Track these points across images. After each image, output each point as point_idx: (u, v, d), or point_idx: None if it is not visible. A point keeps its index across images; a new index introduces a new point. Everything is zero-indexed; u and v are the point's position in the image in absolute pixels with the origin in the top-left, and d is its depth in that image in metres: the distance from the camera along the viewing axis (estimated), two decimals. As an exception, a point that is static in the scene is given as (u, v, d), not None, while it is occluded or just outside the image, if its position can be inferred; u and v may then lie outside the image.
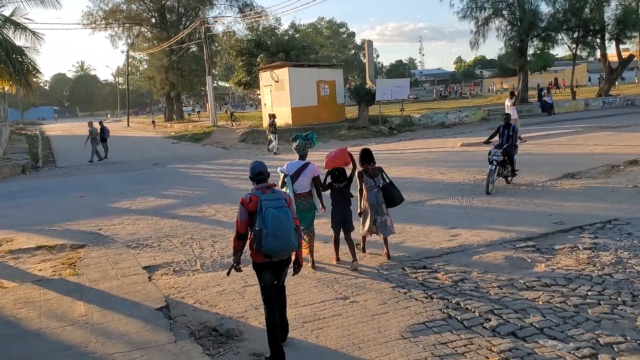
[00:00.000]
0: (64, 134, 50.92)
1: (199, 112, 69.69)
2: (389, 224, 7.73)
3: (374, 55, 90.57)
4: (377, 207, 7.62)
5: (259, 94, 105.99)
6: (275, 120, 24.47)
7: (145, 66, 63.10)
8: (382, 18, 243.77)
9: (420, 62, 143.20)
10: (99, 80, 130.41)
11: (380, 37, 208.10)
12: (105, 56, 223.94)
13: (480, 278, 6.64)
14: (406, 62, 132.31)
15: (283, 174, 7.36)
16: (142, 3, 51.15)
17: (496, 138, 12.86)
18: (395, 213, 10.29)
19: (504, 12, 35.28)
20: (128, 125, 59.16)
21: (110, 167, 21.70)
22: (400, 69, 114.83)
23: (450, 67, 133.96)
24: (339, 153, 7.58)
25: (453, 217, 9.70)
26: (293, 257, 5.11)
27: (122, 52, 73.05)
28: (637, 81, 62.69)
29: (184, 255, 8.48)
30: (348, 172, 7.67)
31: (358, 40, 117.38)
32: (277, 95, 31.10)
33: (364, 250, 8.01)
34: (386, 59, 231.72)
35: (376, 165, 7.86)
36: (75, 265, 7.88)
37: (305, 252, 7.17)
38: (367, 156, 7.78)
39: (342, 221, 7.46)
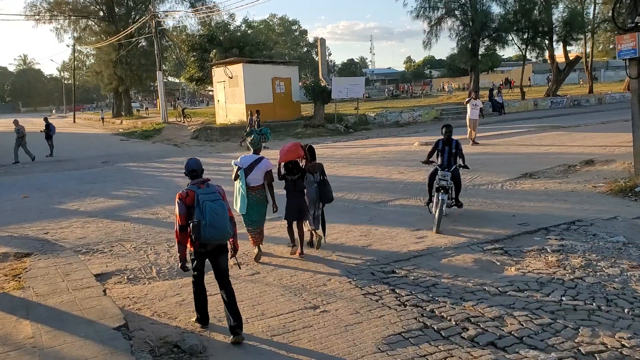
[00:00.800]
0: (4, 130, 48.68)
1: (147, 108, 67.96)
2: (320, 219, 8.15)
3: (327, 54, 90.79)
4: (315, 202, 7.98)
5: (211, 90, 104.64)
6: (259, 116, 24.91)
7: (92, 61, 61.07)
8: (333, 17, 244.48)
9: (371, 61, 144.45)
10: (44, 75, 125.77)
11: (332, 36, 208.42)
12: (50, 50, 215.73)
13: (451, 283, 6.46)
14: (357, 61, 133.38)
15: (237, 167, 7.56)
16: (89, -5, 49.45)
17: (434, 157, 9.84)
18: (359, 214, 10.15)
19: (456, 12, 35.71)
20: (74, 122, 57.17)
21: (56, 166, 20.68)
22: (352, 68, 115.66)
23: (400, 67, 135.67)
24: (292, 147, 7.87)
25: (417, 218, 9.54)
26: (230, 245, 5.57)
27: (68, 45, 70.87)
28: (580, 82, 64.71)
29: (138, 262, 8.00)
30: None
31: (310, 38, 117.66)
32: (231, 91, 30.50)
33: (311, 245, 8.24)
34: (337, 58, 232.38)
35: (317, 162, 8.18)
36: (20, 277, 7.11)
37: (252, 243, 7.80)
38: (312, 153, 8.12)
39: (296, 210, 7.81)
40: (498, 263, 7.07)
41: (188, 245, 5.41)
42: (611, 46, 44.19)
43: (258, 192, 7.61)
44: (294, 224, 7.92)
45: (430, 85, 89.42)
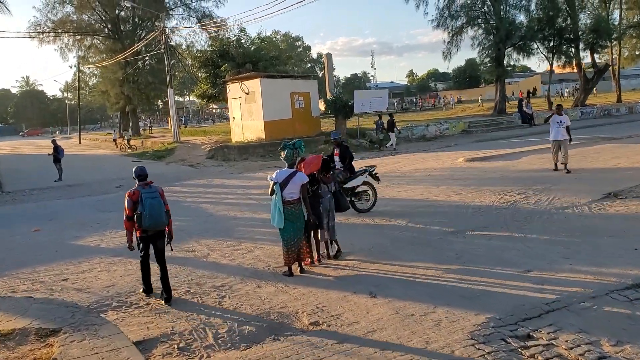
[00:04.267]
0: (10, 153, 47.23)
1: (151, 127, 66.48)
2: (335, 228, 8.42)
3: (333, 69, 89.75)
4: (329, 212, 8.21)
5: (215, 108, 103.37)
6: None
7: (96, 80, 59.68)
8: (332, 33, 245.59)
9: (372, 75, 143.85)
10: (47, 96, 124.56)
11: (331, 52, 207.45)
12: (53, 71, 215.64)
13: (619, 355, 4.77)
14: (361, 75, 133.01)
15: (272, 182, 7.63)
16: (94, 13, 48.08)
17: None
18: (439, 249, 8.46)
19: (478, 20, 34.18)
20: (80, 143, 55.65)
21: (67, 191, 19.05)
22: (355, 83, 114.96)
23: (402, 81, 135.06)
24: (315, 159, 8.15)
25: (517, 255, 7.83)
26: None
27: (70, 67, 69.71)
28: (594, 92, 62.91)
29: (187, 321, 6.33)
30: None
31: (313, 54, 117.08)
32: (248, 107, 28.94)
33: (329, 256, 8.34)
34: (338, 73, 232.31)
35: (331, 174, 8.57)
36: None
37: (284, 261, 7.74)
38: (326, 166, 8.34)
39: (317, 220, 7.99)
40: (663, 320, 5.38)
41: (134, 231, 7.04)
42: (637, 53, 42.71)
43: (294, 206, 7.65)
44: (312, 233, 8.16)
45: (439, 98, 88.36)
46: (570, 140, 14.76)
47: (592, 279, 6.63)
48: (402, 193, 13.65)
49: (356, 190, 11.43)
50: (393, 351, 5.17)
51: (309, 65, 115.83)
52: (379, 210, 11.56)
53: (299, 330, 5.83)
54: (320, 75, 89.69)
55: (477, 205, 11.44)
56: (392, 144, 25.78)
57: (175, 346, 5.68)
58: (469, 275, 7.12)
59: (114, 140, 43.42)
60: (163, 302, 6.95)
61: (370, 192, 11.65)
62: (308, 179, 7.82)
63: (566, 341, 5.08)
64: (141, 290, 7.37)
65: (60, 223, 13.21)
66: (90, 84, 65.03)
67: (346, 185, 11.07)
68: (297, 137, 27.15)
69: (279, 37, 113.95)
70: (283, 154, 7.84)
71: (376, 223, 10.53)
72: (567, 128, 14.51)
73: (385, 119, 26.56)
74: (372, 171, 11.70)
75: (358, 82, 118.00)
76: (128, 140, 41.17)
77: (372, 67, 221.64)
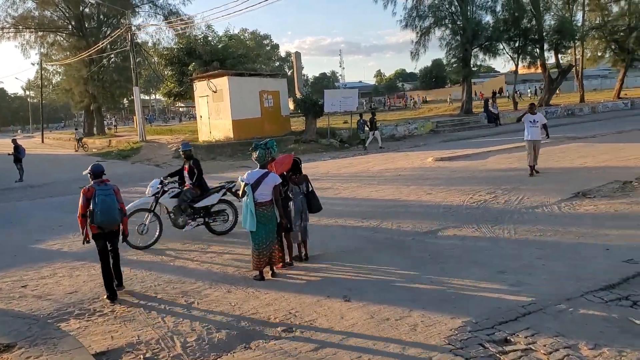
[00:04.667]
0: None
1: (116, 126, 65.17)
2: (308, 228, 8.30)
3: (302, 68, 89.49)
4: (301, 212, 8.05)
5: (182, 107, 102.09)
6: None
7: (59, 78, 58.16)
8: (300, 32, 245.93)
9: (341, 75, 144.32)
10: (8, 94, 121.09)
11: (299, 51, 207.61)
12: (15, 67, 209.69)
13: (598, 359, 4.71)
14: (329, 74, 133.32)
15: (244, 183, 7.41)
16: (57, 9, 46.83)
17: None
18: (412, 250, 8.35)
19: (445, 21, 34.40)
20: (42, 142, 54.14)
21: (28, 193, 18.45)
22: (324, 82, 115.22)
23: (371, 80, 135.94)
24: (286, 159, 7.98)
25: (490, 256, 7.77)
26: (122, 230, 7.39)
27: (33, 64, 67.75)
28: (558, 92, 63.70)
29: (154, 329, 6.06)
30: None
31: (282, 52, 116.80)
32: (216, 106, 28.55)
33: (301, 259, 8.20)
34: (306, 72, 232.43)
35: (303, 174, 8.25)
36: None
37: (252, 265, 7.56)
38: (294, 167, 8.11)
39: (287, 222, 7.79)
40: (638, 322, 5.36)
41: (89, 227, 7.10)
42: (599, 54, 43.68)
43: (267, 208, 7.43)
44: (283, 235, 7.96)
45: (407, 98, 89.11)
46: (548, 136, 14.42)
47: (566, 280, 6.59)
48: (374, 193, 13.55)
49: (212, 210, 10.31)
50: (370, 358, 5.01)
51: (277, 64, 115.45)
52: (351, 211, 11.43)
53: (272, 338, 5.62)
54: (289, 74, 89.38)
55: (447, 205, 11.40)
56: (371, 142, 25.73)
57: (142, 356, 5.42)
58: (444, 276, 7.03)
59: (77, 140, 41.84)
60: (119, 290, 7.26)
61: (229, 210, 10.50)
62: (281, 180, 7.64)
63: (544, 345, 5.00)
64: (105, 296, 7.11)
65: (21, 226, 12.73)
66: (53, 81, 63.42)
67: (197, 205, 10.03)
68: (266, 136, 26.87)
69: (246, 35, 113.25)
70: (255, 155, 7.59)
71: (348, 224, 10.39)
72: (545, 126, 14.00)
73: (368, 117, 26.49)
74: (232, 187, 10.44)
75: (327, 81, 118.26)
76: (79, 139, 40.75)
77: (340, 66, 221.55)
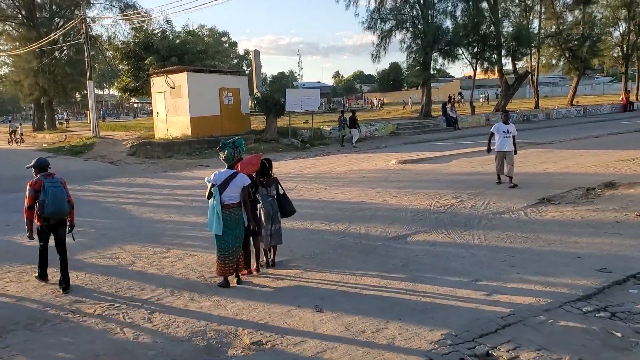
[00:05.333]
0: None
1: (67, 120, 63.00)
2: (281, 233, 7.90)
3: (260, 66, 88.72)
4: (272, 215, 7.69)
5: (136, 102, 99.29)
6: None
7: (7, 70, 55.74)
8: (259, 31, 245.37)
9: (299, 75, 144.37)
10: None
11: (257, 49, 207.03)
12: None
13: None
14: (288, 74, 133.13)
15: (210, 184, 7.12)
16: (6, -3, 44.80)
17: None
18: (383, 256, 8.12)
19: (407, 24, 34.52)
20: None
21: (-30, 189, 17.35)
22: (283, 81, 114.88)
23: (329, 81, 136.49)
24: (253, 159, 7.65)
25: (463, 263, 7.61)
26: (69, 222, 7.53)
27: (-22, 53, 64.52)
28: (482, 99, 64.12)
29: (114, 345, 5.60)
30: None
31: (240, 50, 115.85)
32: (173, 102, 27.78)
33: (268, 265, 7.88)
34: (265, 71, 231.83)
35: (273, 177, 7.93)
36: None
37: (217, 271, 7.24)
38: (264, 168, 7.77)
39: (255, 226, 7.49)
40: (619, 334, 5.25)
41: (35, 220, 7.28)
42: (554, 61, 44.80)
43: (234, 210, 7.11)
44: (250, 240, 7.63)
45: (365, 100, 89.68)
46: (516, 152, 13.34)
47: (542, 289, 6.47)
48: (339, 195, 13.29)
49: None
50: (348, 375, 4.73)
51: (235, 61, 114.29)
52: (317, 214, 11.13)
53: (240, 351, 5.27)
54: (247, 72, 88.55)
55: (414, 208, 11.24)
56: (353, 141, 25.99)
57: (100, 374, 4.97)
58: (418, 284, 6.81)
59: (12, 133, 39.40)
60: (62, 290, 7.19)
61: None
62: (250, 181, 7.33)
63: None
64: (35, 274, 7.68)
65: (-37, 225, 11.88)
66: (1, 72, 60.79)
67: None
68: (226, 134, 26.37)
69: (204, 32, 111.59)
70: (223, 155, 7.26)
71: (315, 228, 10.08)
72: (514, 138, 13.14)
73: (348, 116, 26.63)
74: None
75: (285, 80, 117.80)
76: (12, 132, 38.96)
77: (298, 66, 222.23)
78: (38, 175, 7.35)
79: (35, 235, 7.38)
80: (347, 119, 26.21)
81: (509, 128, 13.18)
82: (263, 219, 7.72)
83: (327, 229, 9.93)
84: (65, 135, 35.96)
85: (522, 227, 9.39)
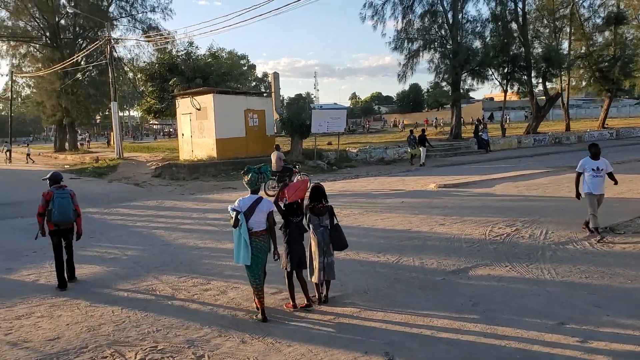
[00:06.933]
0: None
1: (89, 141, 63.27)
2: (334, 266, 7.22)
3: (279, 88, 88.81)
4: (323, 247, 7.08)
5: (155, 124, 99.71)
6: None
7: (29, 91, 56.14)
8: (275, 54, 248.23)
9: (315, 97, 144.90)
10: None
11: (274, 72, 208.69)
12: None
13: None
14: (304, 95, 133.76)
15: (235, 212, 6.62)
16: (31, 19, 45.21)
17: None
18: (447, 294, 7.33)
19: (435, 44, 34.01)
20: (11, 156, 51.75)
21: (-5, 212, 16.94)
22: (300, 103, 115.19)
23: (345, 102, 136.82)
24: (302, 184, 7.20)
25: (539, 301, 6.81)
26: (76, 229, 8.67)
27: (1, 75, 65.44)
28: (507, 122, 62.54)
29: (160, 393, 4.89)
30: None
31: (258, 73, 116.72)
32: (199, 124, 27.38)
33: (320, 301, 7.14)
34: (282, 93, 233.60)
35: (327, 204, 7.23)
36: None
37: (257, 302, 6.77)
38: (316, 194, 7.18)
39: (299, 258, 6.98)
40: None
41: (46, 225, 8.36)
42: (584, 83, 43.92)
43: (262, 238, 6.70)
44: (294, 274, 7.03)
45: (384, 121, 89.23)
46: (616, 182, 10.67)
47: (642, 336, 5.66)
48: (380, 222, 12.54)
49: None
50: None
51: (254, 84, 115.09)
52: (361, 242, 10.38)
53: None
54: (265, 94, 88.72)
55: (468, 238, 10.45)
56: (421, 159, 25.83)
57: None
58: (496, 327, 6.03)
59: (27, 155, 42.18)
60: (67, 280, 8.40)
61: None
62: (274, 207, 6.93)
63: None
64: (56, 286, 8.31)
65: (-12, 251, 11.34)
66: (23, 94, 61.28)
67: None
68: (251, 156, 25.91)
69: (224, 54, 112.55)
70: (246, 178, 6.91)
71: (363, 259, 9.34)
72: (611, 174, 10.31)
73: (417, 134, 26.53)
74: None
75: (302, 102, 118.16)
76: (8, 151, 43.12)
77: (315, 88, 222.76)
78: (51, 187, 8.49)
79: (48, 237, 8.48)
80: (417, 138, 26.02)
81: (598, 164, 10.19)
82: (314, 250, 7.08)
83: (376, 261, 9.18)
84: (97, 157, 35.78)
85: (594, 260, 8.57)
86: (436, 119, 64.26)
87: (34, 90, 51.44)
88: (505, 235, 10.52)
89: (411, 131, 27.42)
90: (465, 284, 7.70)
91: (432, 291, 7.45)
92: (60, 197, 8.34)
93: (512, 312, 6.49)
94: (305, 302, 7.03)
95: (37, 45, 47.21)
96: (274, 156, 19.12)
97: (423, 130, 27.23)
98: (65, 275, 8.43)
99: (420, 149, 25.87)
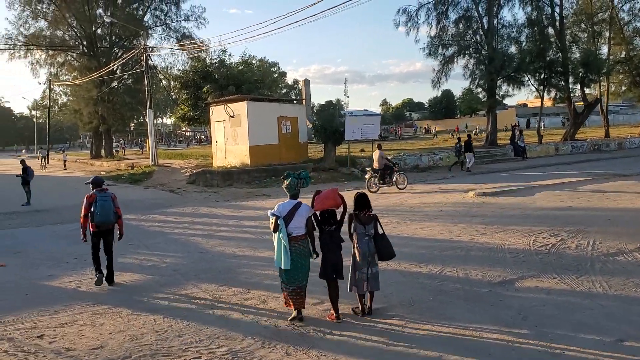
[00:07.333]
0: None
1: (124, 148, 64.30)
2: (378, 277, 7.02)
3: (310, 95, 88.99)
4: (368, 257, 6.89)
5: (187, 131, 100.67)
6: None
7: (66, 99, 57.38)
8: (305, 61, 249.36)
9: (345, 103, 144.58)
10: (13, 113, 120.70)
11: (303, 79, 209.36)
12: (21, 87, 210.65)
13: None
14: (335, 102, 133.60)
15: (274, 217, 6.68)
16: (69, 29, 46.26)
17: None
18: (494, 305, 7.09)
19: (469, 50, 33.57)
20: (48, 163, 52.91)
21: (35, 218, 17.24)
22: (330, 109, 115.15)
23: (376, 109, 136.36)
24: (329, 194, 6.99)
25: (593, 316, 6.52)
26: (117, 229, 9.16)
27: (40, 83, 67.09)
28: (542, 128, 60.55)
29: (206, 407, 4.79)
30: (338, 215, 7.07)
31: (289, 80, 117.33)
32: (232, 131, 27.49)
33: (364, 313, 6.94)
34: (312, 99, 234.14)
35: (372, 213, 7.12)
36: None
37: (290, 305, 6.86)
38: (361, 202, 7.11)
39: (334, 266, 6.84)
40: None
41: (89, 227, 8.85)
42: (623, 88, 42.80)
43: (302, 242, 6.76)
44: (330, 283, 6.91)
45: (415, 128, 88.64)
46: None
47: None
48: (419, 231, 12.31)
49: None
50: None
51: (285, 91, 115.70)
52: (402, 252, 10.12)
53: None
54: (295, 101, 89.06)
55: (512, 248, 10.16)
56: (468, 164, 25.86)
57: None
58: (550, 344, 5.77)
59: (64, 162, 45.14)
60: (107, 283, 8.89)
61: None
62: (313, 211, 6.90)
63: None
64: (93, 269, 9.04)
65: (30, 257, 11.50)
66: (59, 102, 62.69)
67: None
68: (284, 163, 25.92)
69: (255, 62, 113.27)
70: (286, 183, 6.98)
71: (405, 269, 9.14)
72: None
73: (464, 139, 26.63)
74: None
75: (332, 109, 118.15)
76: (43, 157, 45.52)
77: (345, 94, 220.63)
78: (94, 190, 8.95)
79: (89, 240, 8.97)
80: (463, 144, 26.05)
81: None
82: (358, 260, 6.91)
83: (419, 271, 8.97)
84: (133, 164, 36.34)
85: (647, 273, 8.21)
86: (467, 126, 63.34)
87: (71, 98, 52.57)
88: (550, 245, 10.19)
89: (458, 139, 27.12)
90: (513, 296, 7.44)
91: (479, 303, 7.22)
92: (102, 199, 8.78)
93: (565, 327, 6.23)
94: (334, 314, 6.89)
95: (75, 54, 48.25)
96: (375, 154, 20.87)
97: (469, 136, 27.04)
98: (104, 271, 8.93)
99: (467, 154, 25.77)
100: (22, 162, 22.06)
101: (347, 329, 6.51)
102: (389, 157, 22.42)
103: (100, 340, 6.50)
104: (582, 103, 37.39)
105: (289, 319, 6.82)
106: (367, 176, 20.38)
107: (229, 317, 7.17)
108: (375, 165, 20.30)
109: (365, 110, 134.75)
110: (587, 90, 37.56)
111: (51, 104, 58.41)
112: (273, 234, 6.81)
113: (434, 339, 6.09)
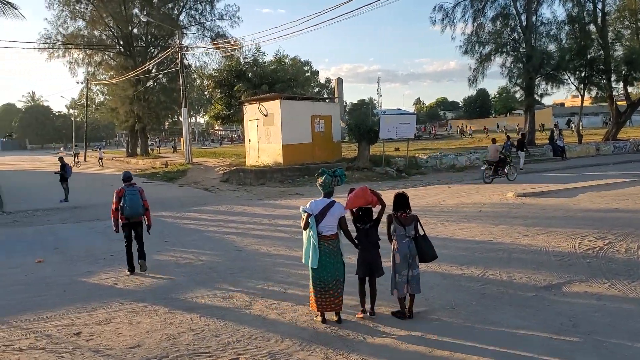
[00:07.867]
0: (12, 169, 45.73)
1: (159, 146, 65.06)
2: (419, 280, 6.81)
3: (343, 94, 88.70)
4: (409, 259, 6.70)
5: (220, 130, 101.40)
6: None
7: (102, 98, 58.38)
8: (337, 60, 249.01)
9: (378, 102, 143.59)
10: (52, 112, 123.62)
11: (336, 78, 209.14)
12: (59, 86, 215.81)
13: None
14: (367, 101, 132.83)
15: (306, 214, 6.62)
16: (106, 28, 47.01)
17: None
18: (546, 312, 6.77)
19: (507, 47, 32.87)
20: (85, 160, 54.05)
21: (73, 214, 17.45)
22: (363, 108, 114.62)
23: (409, 108, 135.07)
24: (359, 192, 6.86)
25: (652, 325, 6.18)
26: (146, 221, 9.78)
27: (78, 82, 68.37)
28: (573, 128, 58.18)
29: (245, 411, 4.64)
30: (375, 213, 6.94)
31: (321, 79, 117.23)
32: (265, 130, 27.46)
33: (404, 316, 6.73)
34: (345, 98, 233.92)
35: (412, 213, 6.89)
36: None
37: (313, 307, 6.77)
38: (400, 202, 6.89)
39: (369, 265, 6.76)
40: None
41: (119, 219, 9.44)
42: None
43: (332, 242, 6.63)
44: (366, 281, 6.85)
45: (450, 127, 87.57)
46: None
47: None
48: (459, 232, 11.98)
49: None
50: None
51: (317, 90, 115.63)
52: (441, 254, 9.80)
53: None
54: (327, 100, 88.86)
55: (557, 251, 9.77)
56: (520, 164, 25.50)
57: None
58: (604, 352, 5.46)
59: (100, 160, 46.12)
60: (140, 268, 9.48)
61: None
62: (346, 211, 6.78)
63: None
64: (126, 270, 9.50)
65: (67, 253, 11.58)
66: (96, 101, 63.85)
67: None
68: (317, 162, 25.78)
69: (287, 61, 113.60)
70: (320, 180, 6.85)
71: (445, 271, 8.87)
72: None
73: (516, 137, 26.49)
74: None
75: (365, 107, 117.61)
76: (76, 155, 46.95)
77: (377, 93, 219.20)
78: (123, 184, 9.54)
79: (121, 231, 9.52)
80: (514, 143, 25.75)
81: None
82: (399, 262, 6.71)
83: (460, 274, 8.68)
84: (167, 162, 36.74)
85: None
86: (498, 125, 62.16)
87: (108, 97, 53.43)
88: (597, 248, 9.77)
89: (508, 137, 26.48)
90: (561, 302, 7.11)
91: (525, 308, 6.91)
92: (130, 193, 9.39)
93: (621, 337, 5.89)
94: (361, 310, 6.91)
95: (111, 54, 48.99)
96: (491, 147, 22.23)
97: (523, 135, 26.66)
98: (136, 262, 9.52)
99: (519, 153, 25.48)
100: (60, 159, 22.40)
101: (387, 333, 6.30)
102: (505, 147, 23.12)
103: (138, 339, 6.43)
104: (624, 102, 36.22)
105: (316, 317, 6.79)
106: (483, 168, 21.85)
107: (266, 318, 7.03)
108: (490, 157, 21.76)
109: (399, 109, 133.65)
110: (630, 89, 36.38)
111: (88, 102, 59.59)
112: (303, 230, 6.76)
113: (480, 346, 5.82)
